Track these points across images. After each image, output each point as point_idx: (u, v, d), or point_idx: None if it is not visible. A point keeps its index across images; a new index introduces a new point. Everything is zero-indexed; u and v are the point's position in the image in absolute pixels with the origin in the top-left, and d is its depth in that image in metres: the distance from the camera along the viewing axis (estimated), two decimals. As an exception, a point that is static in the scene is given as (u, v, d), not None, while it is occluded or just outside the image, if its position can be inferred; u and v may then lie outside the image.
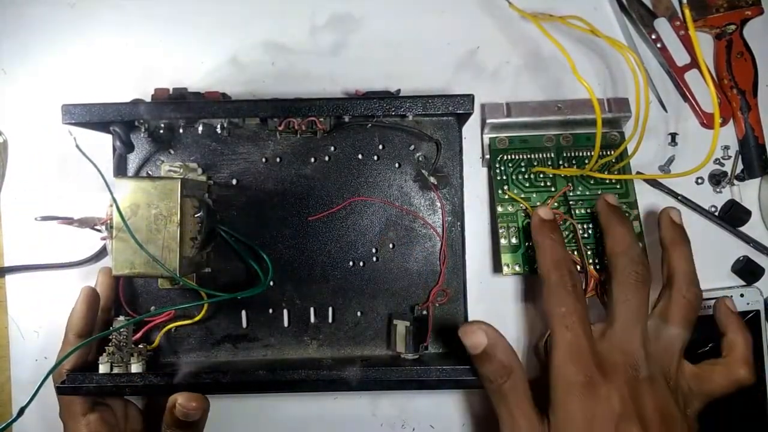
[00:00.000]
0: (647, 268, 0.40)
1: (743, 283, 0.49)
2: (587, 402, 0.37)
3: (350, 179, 0.46)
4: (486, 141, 0.48)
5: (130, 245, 0.38)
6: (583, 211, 0.47)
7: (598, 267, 0.45)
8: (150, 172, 0.46)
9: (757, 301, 0.47)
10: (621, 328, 0.39)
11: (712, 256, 0.49)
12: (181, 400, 0.39)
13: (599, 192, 0.47)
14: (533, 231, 0.43)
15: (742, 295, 0.47)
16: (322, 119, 0.43)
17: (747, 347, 0.42)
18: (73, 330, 0.42)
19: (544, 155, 0.47)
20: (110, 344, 0.41)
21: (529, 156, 0.48)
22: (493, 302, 0.48)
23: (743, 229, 0.49)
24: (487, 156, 0.48)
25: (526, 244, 0.46)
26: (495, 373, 0.38)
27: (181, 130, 0.46)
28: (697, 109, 0.49)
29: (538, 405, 0.39)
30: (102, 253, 0.48)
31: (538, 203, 0.47)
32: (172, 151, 0.46)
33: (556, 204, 0.46)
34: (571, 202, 0.47)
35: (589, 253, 0.46)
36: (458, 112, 0.43)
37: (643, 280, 0.40)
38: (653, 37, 0.49)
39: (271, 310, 0.46)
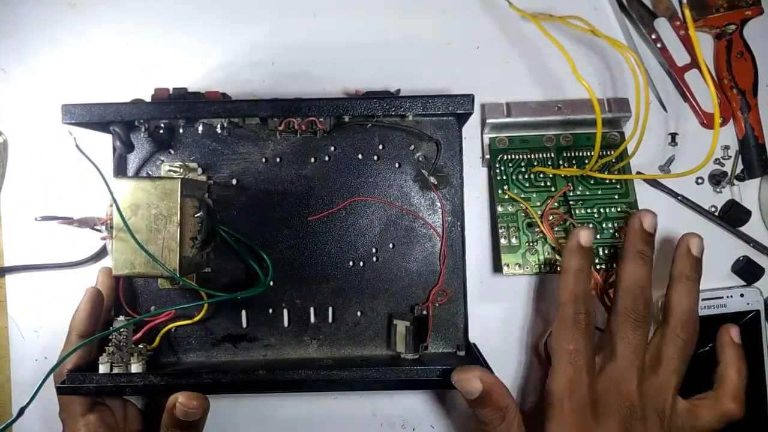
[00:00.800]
0: (648, 309, 0.40)
1: (743, 283, 0.49)
2: None
3: (350, 179, 0.46)
4: (486, 141, 0.48)
5: (130, 245, 0.38)
6: (583, 211, 0.46)
7: (599, 267, 0.45)
8: (150, 172, 0.46)
9: (757, 301, 0.47)
10: (620, 365, 0.40)
11: (712, 256, 0.48)
12: (181, 399, 0.39)
13: (599, 192, 0.47)
14: (566, 252, 0.43)
15: (742, 295, 0.47)
16: (322, 119, 0.43)
17: (739, 380, 0.41)
18: (76, 330, 0.42)
19: (544, 155, 0.47)
20: (110, 344, 0.41)
21: (529, 156, 0.48)
22: (493, 302, 0.48)
23: (743, 229, 0.49)
24: (487, 156, 0.48)
25: (527, 243, 0.46)
26: (490, 416, 0.38)
27: (181, 130, 0.46)
28: (697, 109, 0.49)
29: None
30: (102, 253, 0.48)
31: (538, 203, 0.47)
32: (172, 151, 0.46)
33: (556, 204, 0.46)
34: (571, 202, 0.47)
35: (589, 253, 0.46)
36: (458, 112, 0.43)
37: (643, 321, 0.40)
38: (653, 37, 0.49)
39: (271, 310, 0.46)
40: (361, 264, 0.46)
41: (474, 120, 0.47)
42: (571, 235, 0.43)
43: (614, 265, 0.45)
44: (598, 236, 0.46)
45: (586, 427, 0.38)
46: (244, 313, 0.46)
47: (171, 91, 0.45)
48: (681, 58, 0.49)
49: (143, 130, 0.44)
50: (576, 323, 0.40)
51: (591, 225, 0.46)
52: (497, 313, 0.48)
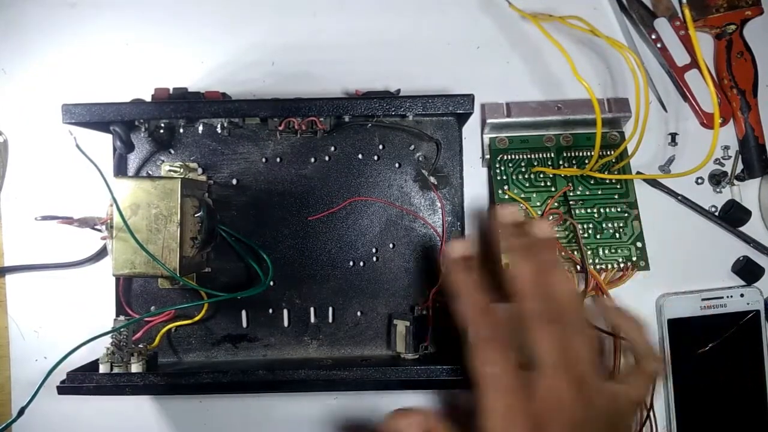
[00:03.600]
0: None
1: (743, 283, 0.49)
2: None
3: (350, 179, 0.46)
4: (486, 141, 0.48)
5: (130, 245, 0.38)
6: (583, 211, 0.46)
7: (598, 267, 0.45)
8: (150, 172, 0.46)
9: (757, 301, 0.47)
10: (547, 374, 0.32)
11: (712, 256, 0.49)
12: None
13: (599, 192, 0.47)
14: (446, 271, 0.38)
15: (742, 295, 0.47)
16: (322, 119, 0.43)
17: (641, 336, 0.38)
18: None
19: (544, 155, 0.47)
20: (110, 344, 0.41)
21: (529, 156, 0.48)
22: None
23: (743, 229, 0.49)
24: (487, 156, 0.48)
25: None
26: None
27: (181, 130, 0.46)
28: (697, 109, 0.49)
29: None
30: (102, 253, 0.48)
31: (538, 203, 0.47)
32: (172, 151, 0.46)
33: (556, 204, 0.46)
34: (571, 202, 0.47)
35: (589, 253, 0.46)
36: (458, 112, 0.43)
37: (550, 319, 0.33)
38: (653, 37, 0.49)
39: (271, 310, 0.46)
40: (362, 264, 0.46)
41: (474, 120, 0.47)
42: (443, 253, 0.42)
43: (615, 264, 0.45)
44: (597, 236, 0.46)
45: None
46: (244, 313, 0.46)
47: (171, 91, 0.45)
48: (681, 58, 0.49)
49: (143, 130, 0.44)
50: (492, 339, 0.33)
51: (590, 225, 0.46)
52: (497, 313, 0.48)
